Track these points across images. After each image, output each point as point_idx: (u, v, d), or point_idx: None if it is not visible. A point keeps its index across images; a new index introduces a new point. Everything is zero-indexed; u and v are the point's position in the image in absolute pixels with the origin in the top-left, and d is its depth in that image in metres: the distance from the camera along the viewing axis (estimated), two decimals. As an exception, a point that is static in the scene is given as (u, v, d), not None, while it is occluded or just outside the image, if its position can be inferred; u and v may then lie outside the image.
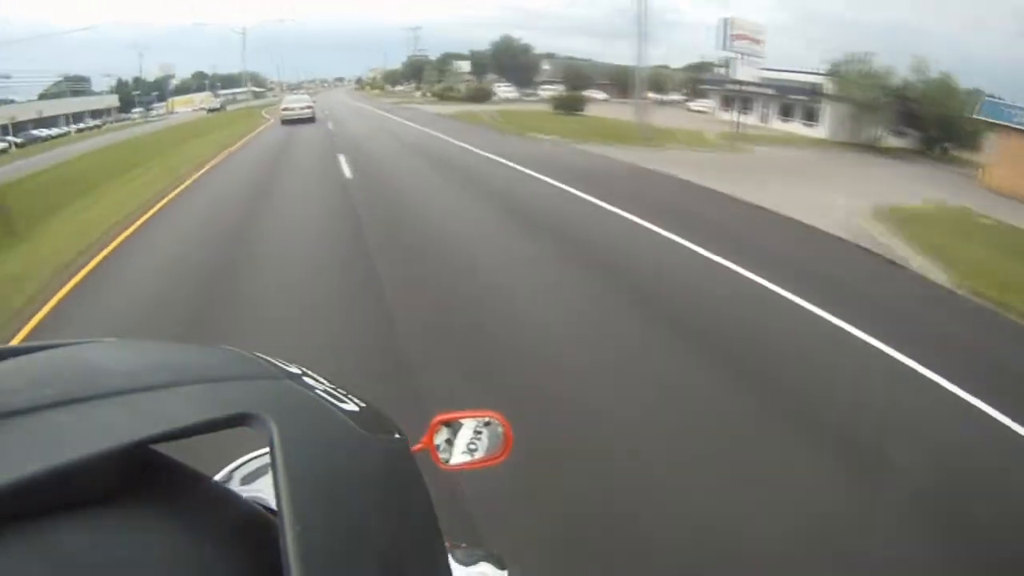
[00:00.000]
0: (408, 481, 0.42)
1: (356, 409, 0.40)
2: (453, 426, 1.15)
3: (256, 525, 0.36)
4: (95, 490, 0.28)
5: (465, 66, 57.16)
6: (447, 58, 65.11)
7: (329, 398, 0.39)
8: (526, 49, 48.34)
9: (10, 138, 43.23)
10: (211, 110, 53.07)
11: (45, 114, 57.95)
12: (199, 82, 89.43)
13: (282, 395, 0.37)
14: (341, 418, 0.38)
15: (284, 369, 0.41)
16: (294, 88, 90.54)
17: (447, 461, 1.14)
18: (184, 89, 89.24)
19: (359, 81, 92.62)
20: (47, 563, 0.25)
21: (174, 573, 0.29)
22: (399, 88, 79.18)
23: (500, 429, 1.15)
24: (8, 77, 45.46)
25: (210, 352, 0.40)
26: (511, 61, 47.42)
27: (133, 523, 0.29)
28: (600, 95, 47.25)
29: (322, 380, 0.43)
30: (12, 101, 60.61)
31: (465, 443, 1.15)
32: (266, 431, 0.32)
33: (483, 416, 1.15)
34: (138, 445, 0.28)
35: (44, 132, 49.78)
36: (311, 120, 27.08)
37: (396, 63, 78.22)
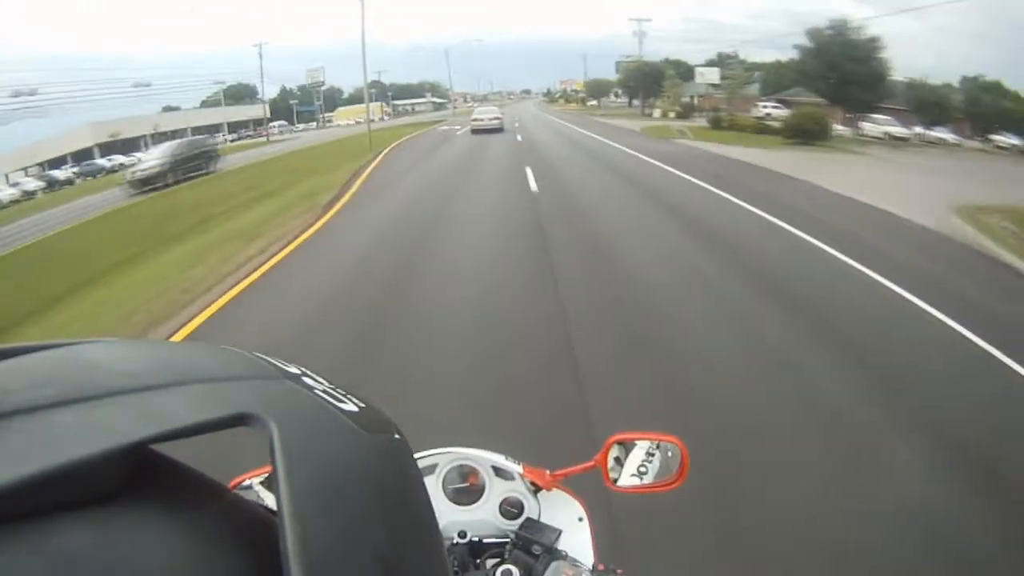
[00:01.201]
0: (407, 482, 0.42)
1: (356, 409, 0.40)
2: (627, 446, 1.13)
3: (256, 525, 0.35)
4: (95, 490, 0.28)
5: (709, 74, 37.66)
6: (671, 64, 45.45)
7: (328, 398, 0.39)
8: (874, 46, 26.98)
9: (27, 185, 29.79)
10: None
11: (161, 128, 46.59)
12: (373, 92, 78.04)
13: (282, 395, 0.37)
14: (341, 418, 0.38)
15: (284, 369, 0.41)
16: (479, 100, 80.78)
17: (616, 481, 1.12)
18: (357, 99, 78.27)
19: (548, 93, 78.20)
20: (47, 563, 0.26)
21: (174, 573, 0.29)
22: (602, 102, 61.70)
23: (675, 454, 1.12)
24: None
25: (210, 352, 0.40)
26: (833, 66, 26.42)
27: (133, 523, 0.29)
28: (948, 136, 25.90)
29: (321, 380, 0.43)
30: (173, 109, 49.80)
31: (636, 465, 1.13)
32: (266, 431, 0.32)
33: (659, 439, 1.13)
34: (138, 445, 0.28)
35: (114, 161, 36.48)
36: (499, 130, 27.98)
37: (594, 73, 61.97)
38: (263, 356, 0.42)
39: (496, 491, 1.16)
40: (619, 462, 1.12)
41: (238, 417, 0.32)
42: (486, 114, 30.24)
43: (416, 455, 1.12)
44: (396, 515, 0.37)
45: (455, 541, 1.10)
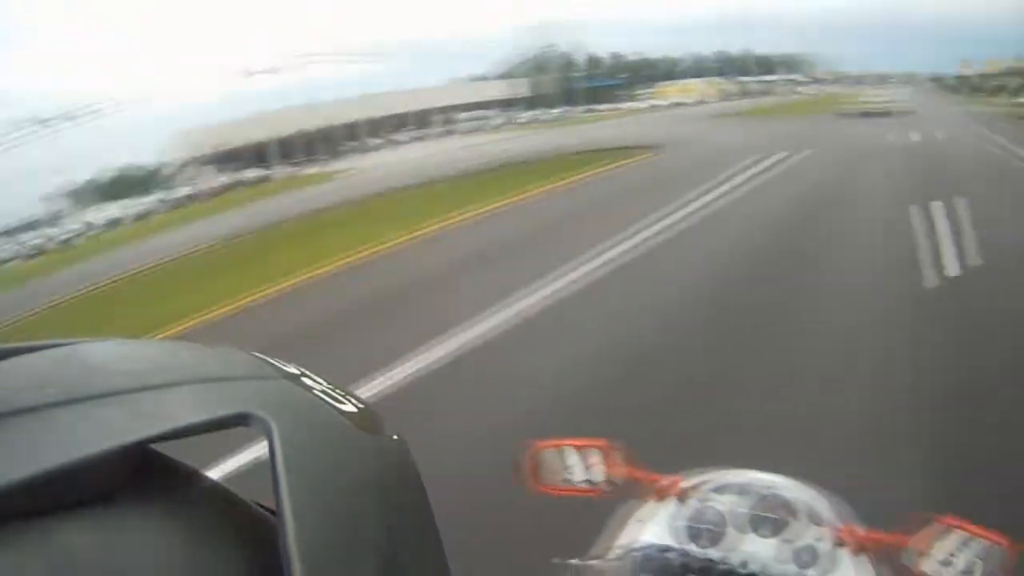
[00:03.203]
0: (406, 482, 0.41)
1: (354, 410, 0.40)
2: (951, 530, 1.11)
3: (256, 525, 0.35)
4: (96, 489, 0.29)
5: None
6: None
7: (327, 399, 0.39)
8: None
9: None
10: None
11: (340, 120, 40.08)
12: (721, 63, 64.31)
13: (281, 395, 0.37)
14: (340, 419, 0.38)
15: (283, 369, 0.40)
16: (856, 80, 66.16)
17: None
18: (701, 71, 65.44)
19: (937, 79, 57.76)
20: (47, 563, 0.26)
21: (174, 573, 0.29)
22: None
23: (998, 558, 1.06)
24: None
25: (210, 352, 0.39)
26: None
27: (134, 522, 0.30)
28: None
29: (320, 381, 0.41)
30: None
31: (947, 553, 1.09)
32: (266, 431, 0.32)
33: (988, 537, 1.09)
34: (138, 445, 0.29)
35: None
36: (888, 114, 27.85)
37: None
38: (262, 356, 0.41)
39: (799, 534, 1.13)
40: (937, 545, 1.08)
41: (238, 417, 0.32)
42: (878, 97, 32.15)
43: (737, 471, 1.20)
44: (396, 516, 0.37)
45: (735, 569, 1.11)
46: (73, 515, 0.28)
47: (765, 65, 66.86)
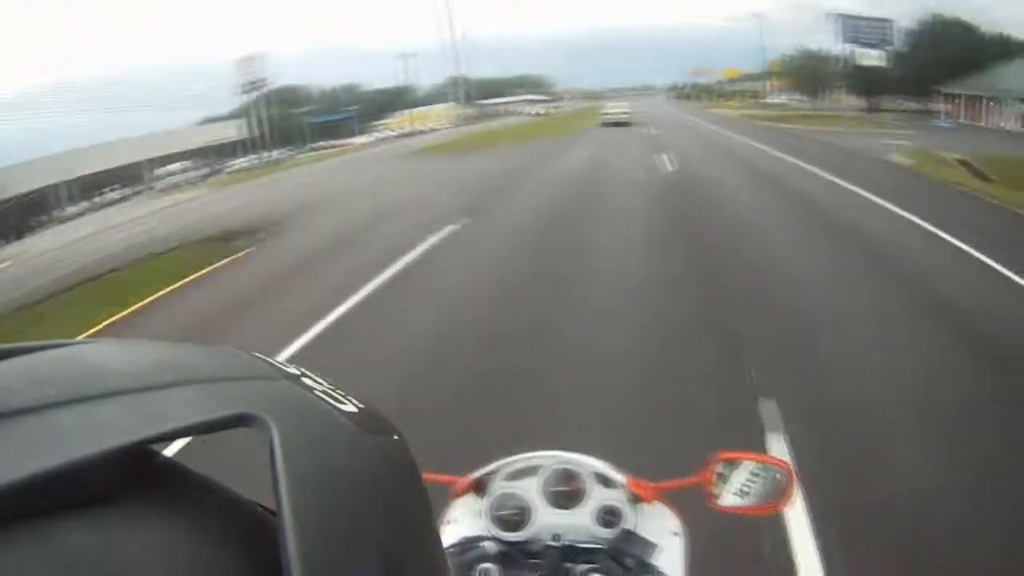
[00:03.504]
0: (407, 482, 0.42)
1: (355, 410, 0.40)
2: (732, 464, 1.15)
3: (256, 525, 0.36)
4: (96, 490, 0.29)
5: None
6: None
7: (328, 399, 0.39)
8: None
9: None
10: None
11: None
12: (458, 89, 63.14)
13: (281, 395, 0.37)
14: (340, 419, 0.38)
15: (283, 370, 0.41)
16: (596, 96, 66.85)
17: (718, 499, 1.15)
18: (439, 98, 63.84)
19: (676, 88, 62.37)
20: (47, 563, 0.26)
21: (174, 573, 0.29)
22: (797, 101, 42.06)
23: (781, 477, 1.13)
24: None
25: (210, 352, 0.39)
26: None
27: (134, 523, 0.29)
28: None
29: (321, 381, 0.42)
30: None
31: (739, 484, 1.14)
32: (266, 432, 0.32)
33: (767, 461, 1.15)
34: (138, 445, 0.29)
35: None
36: (627, 124, 32.93)
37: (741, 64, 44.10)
38: (263, 356, 0.41)
39: (596, 498, 1.18)
40: (723, 479, 1.13)
41: (238, 417, 0.32)
42: (615, 109, 37.12)
43: (523, 455, 1.22)
44: (395, 516, 0.37)
45: (548, 544, 1.14)
46: (73, 515, 0.27)
47: (504, 87, 66.95)
